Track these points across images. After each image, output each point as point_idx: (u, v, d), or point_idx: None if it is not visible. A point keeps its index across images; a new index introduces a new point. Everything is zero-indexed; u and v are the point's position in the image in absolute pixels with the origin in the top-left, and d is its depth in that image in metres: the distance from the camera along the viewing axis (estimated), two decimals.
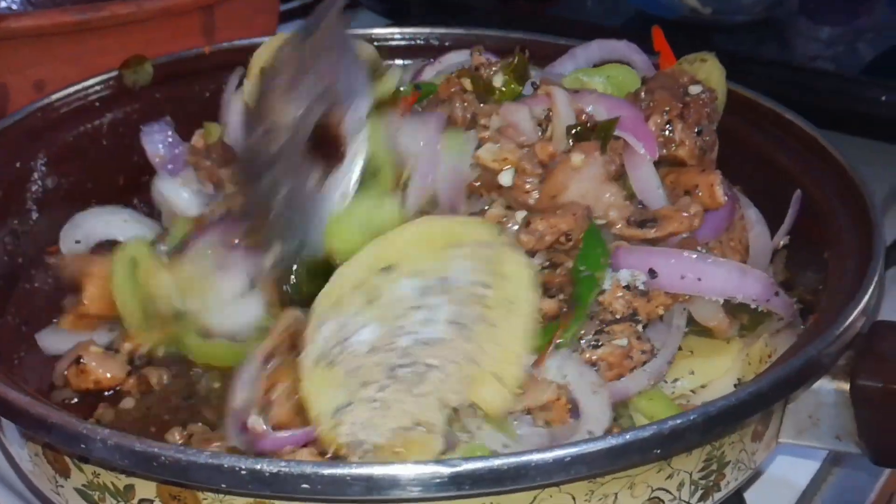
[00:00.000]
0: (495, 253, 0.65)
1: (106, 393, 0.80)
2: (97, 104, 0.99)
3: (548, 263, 0.74)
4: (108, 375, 0.80)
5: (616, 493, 0.59)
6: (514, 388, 0.62)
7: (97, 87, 1.00)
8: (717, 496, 0.66)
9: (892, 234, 1.09)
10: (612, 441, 0.53)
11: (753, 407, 0.58)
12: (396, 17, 1.65)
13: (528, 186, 0.77)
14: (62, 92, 0.98)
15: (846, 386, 0.65)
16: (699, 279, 0.72)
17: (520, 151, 0.78)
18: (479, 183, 0.79)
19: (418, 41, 1.10)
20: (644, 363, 0.69)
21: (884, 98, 1.30)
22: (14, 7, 1.42)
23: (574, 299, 0.70)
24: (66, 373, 0.80)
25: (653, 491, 0.60)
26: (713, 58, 0.90)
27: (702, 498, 0.64)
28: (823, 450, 0.70)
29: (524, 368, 0.63)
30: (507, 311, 0.63)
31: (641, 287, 0.71)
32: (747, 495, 0.78)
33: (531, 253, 0.73)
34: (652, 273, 0.72)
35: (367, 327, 0.62)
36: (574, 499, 0.57)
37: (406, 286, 0.63)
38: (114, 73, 1.01)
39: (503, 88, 0.86)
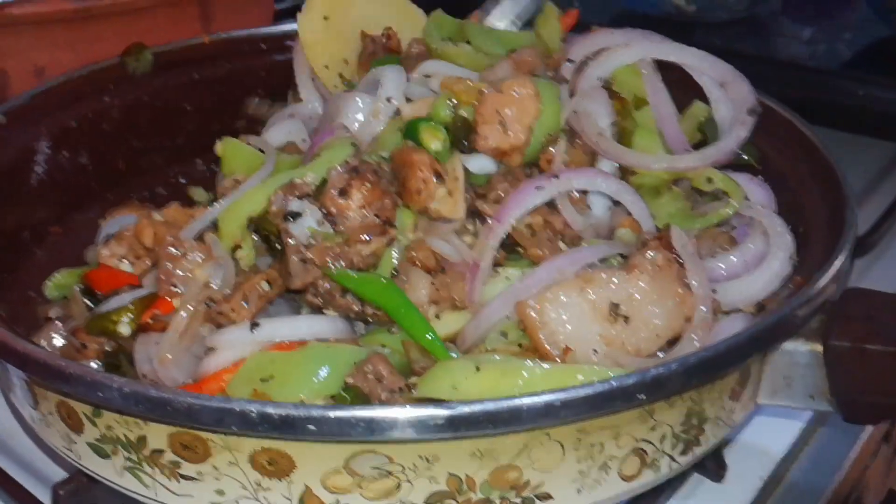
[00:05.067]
0: None
1: None
2: (98, 90, 1.01)
3: None
4: None
5: (602, 443, 0.62)
6: None
7: (98, 74, 1.02)
8: (698, 451, 0.69)
9: (866, 225, 1.11)
10: (599, 387, 0.56)
11: (729, 360, 0.62)
12: None
13: None
14: (62, 77, 1.01)
15: (819, 347, 0.69)
16: None
17: None
18: None
19: None
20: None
21: (861, 92, 1.35)
22: None
23: None
24: None
25: (637, 442, 0.64)
26: None
27: (683, 452, 0.68)
28: (798, 409, 0.73)
29: None
30: None
31: None
32: (731, 461, 0.82)
33: None
34: None
35: None
36: (563, 446, 0.60)
37: None
38: (115, 61, 1.04)
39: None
